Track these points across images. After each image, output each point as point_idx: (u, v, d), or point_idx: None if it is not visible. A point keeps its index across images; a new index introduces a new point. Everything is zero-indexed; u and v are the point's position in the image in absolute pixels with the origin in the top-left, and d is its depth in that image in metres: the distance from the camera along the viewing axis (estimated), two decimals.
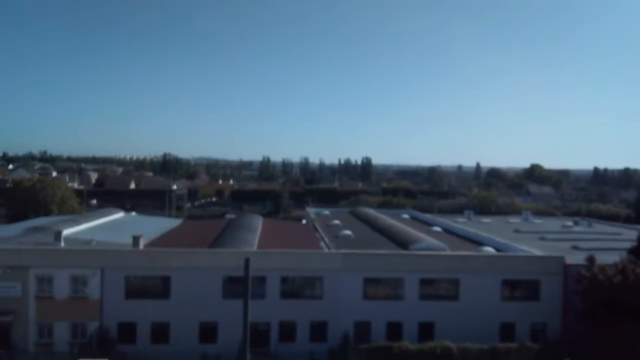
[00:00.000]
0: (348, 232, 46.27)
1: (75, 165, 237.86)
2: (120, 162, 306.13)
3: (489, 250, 39.82)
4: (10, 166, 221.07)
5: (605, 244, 45.10)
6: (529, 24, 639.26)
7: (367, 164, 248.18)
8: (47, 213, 65.62)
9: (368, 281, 34.64)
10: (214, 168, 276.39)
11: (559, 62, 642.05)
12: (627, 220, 77.29)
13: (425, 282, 34.91)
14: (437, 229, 52.00)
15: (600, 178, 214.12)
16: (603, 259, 34.42)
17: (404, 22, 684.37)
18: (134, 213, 62.88)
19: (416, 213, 68.19)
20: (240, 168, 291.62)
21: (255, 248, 37.25)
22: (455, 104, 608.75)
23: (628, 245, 38.25)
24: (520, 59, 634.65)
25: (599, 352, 30.08)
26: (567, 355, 30.47)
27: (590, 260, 33.77)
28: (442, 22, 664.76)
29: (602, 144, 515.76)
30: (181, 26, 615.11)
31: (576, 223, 61.52)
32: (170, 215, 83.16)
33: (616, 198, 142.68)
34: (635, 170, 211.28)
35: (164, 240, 41.18)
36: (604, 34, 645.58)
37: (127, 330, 32.96)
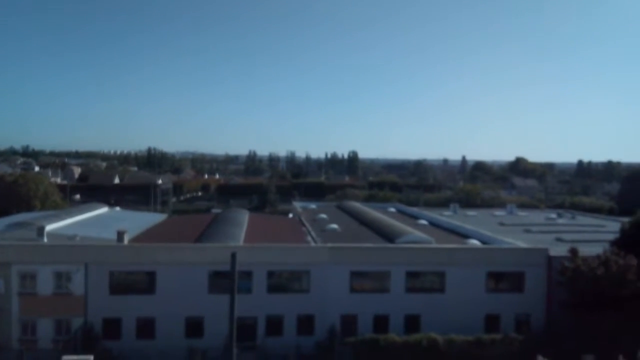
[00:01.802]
0: (335, 225, 46.30)
1: (58, 160, 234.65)
2: (104, 157, 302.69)
3: (474, 242, 40.10)
4: None
5: (588, 236, 45.69)
6: (513, 19, 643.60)
7: (353, 158, 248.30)
8: (30, 208, 64.65)
9: (354, 274, 34.74)
10: (200, 162, 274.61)
11: (543, 56, 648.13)
12: (610, 213, 78.31)
13: (411, 275, 35.10)
14: (423, 222, 52.24)
15: (584, 171, 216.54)
16: (586, 250, 34.88)
17: (390, 17, 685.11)
18: (118, 208, 62.27)
19: (402, 206, 68.43)
20: (226, 162, 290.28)
21: (241, 242, 37.11)
22: (441, 98, 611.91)
23: (611, 237, 38.84)
24: (505, 53, 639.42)
25: (582, 342, 30.49)
26: (551, 345, 30.85)
27: (573, 252, 34.18)
28: (428, 17, 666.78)
29: (586, 137, 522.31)
30: (167, 22, 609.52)
31: (560, 215, 62.22)
32: (155, 210, 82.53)
33: (599, 191, 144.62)
34: (618, 163, 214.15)
35: (149, 235, 40.85)
36: (586, 29, 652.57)
37: (112, 326, 32.71)
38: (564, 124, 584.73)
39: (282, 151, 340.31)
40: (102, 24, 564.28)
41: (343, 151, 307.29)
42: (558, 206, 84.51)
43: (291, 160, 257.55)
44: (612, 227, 50.15)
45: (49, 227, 38.09)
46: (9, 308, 32.35)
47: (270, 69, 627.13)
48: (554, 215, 61.83)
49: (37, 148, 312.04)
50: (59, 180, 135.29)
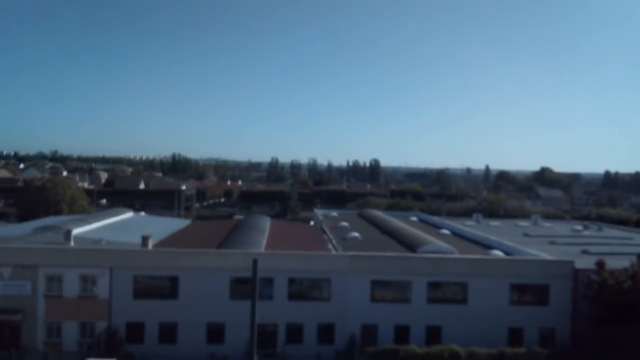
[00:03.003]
0: (356, 234, 46.21)
1: (85, 165, 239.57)
2: (130, 162, 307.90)
3: (498, 253, 39.60)
4: (21, 165, 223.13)
5: (615, 248, 44.74)
6: (540, 28, 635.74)
7: (375, 166, 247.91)
8: (57, 212, 66.08)
9: (375, 284, 34.58)
10: (223, 169, 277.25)
11: (570, 66, 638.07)
12: (637, 225, 76.47)
13: (433, 286, 34.79)
14: (446, 231, 51.79)
15: (611, 182, 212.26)
16: (613, 263, 34.16)
17: (413, 24, 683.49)
18: (143, 213, 63.16)
19: (424, 215, 67.97)
20: (248, 169, 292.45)
21: (263, 249, 37.31)
22: (464, 107, 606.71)
23: (638, 250, 37.99)
24: (531, 63, 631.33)
25: (608, 357, 29.83)
26: None
27: (600, 264, 33.53)
28: (452, 24, 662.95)
29: (614, 147, 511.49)
30: (190, 28, 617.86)
31: (586, 227, 61.01)
32: (179, 216, 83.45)
33: (627, 202, 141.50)
34: None
35: (173, 241, 41.34)
36: (617, 40, 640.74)
37: (135, 330, 33.11)
38: (590, 134, 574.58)
39: (304, 159, 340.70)
40: (128, 28, 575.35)
41: (365, 159, 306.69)
42: (584, 217, 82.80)
43: (313, 167, 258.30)
44: (639, 239, 48.99)
45: (76, 231, 38.87)
46: (35, 310, 33.01)
47: (293, 75, 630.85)
48: (580, 227, 60.66)
49: (65, 153, 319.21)
50: (86, 184, 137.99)
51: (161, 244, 39.43)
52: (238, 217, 69.29)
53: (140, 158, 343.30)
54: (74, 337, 33.06)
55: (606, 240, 51.01)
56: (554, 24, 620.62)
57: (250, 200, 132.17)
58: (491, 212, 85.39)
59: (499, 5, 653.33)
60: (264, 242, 40.16)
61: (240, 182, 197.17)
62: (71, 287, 33.23)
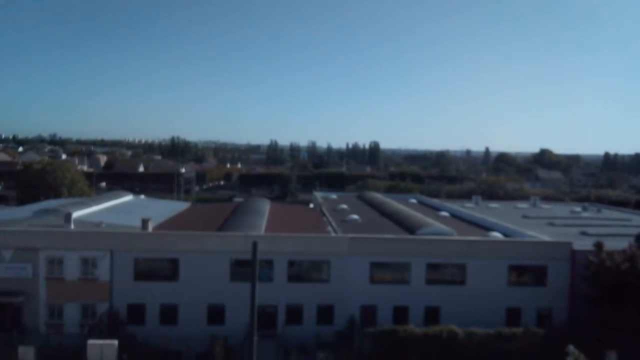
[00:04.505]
0: (355, 216, 46.31)
1: (84, 148, 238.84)
2: (129, 146, 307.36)
3: (497, 235, 39.74)
4: (20, 149, 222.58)
5: (614, 230, 44.86)
6: (543, 12, 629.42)
7: (375, 149, 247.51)
8: (57, 195, 66.12)
9: (375, 265, 34.78)
10: (222, 152, 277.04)
11: (571, 49, 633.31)
12: (636, 206, 76.68)
13: (431, 267, 35.00)
14: (445, 214, 51.90)
15: (610, 163, 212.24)
16: (611, 245, 34.29)
17: (414, 6, 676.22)
18: (142, 196, 63.19)
19: (424, 198, 68.05)
20: (248, 152, 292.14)
21: (262, 232, 37.42)
22: (464, 89, 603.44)
23: (637, 231, 38.08)
24: (532, 46, 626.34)
25: (605, 337, 30.11)
26: (573, 340, 30.51)
27: (598, 246, 33.67)
28: (454, 7, 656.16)
29: (613, 129, 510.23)
30: (189, 10, 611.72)
31: (585, 209, 61.13)
32: (178, 199, 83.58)
33: (626, 184, 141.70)
34: None
35: (173, 223, 41.45)
36: (616, 22, 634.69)
37: (137, 312, 33.40)
38: (590, 115, 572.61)
39: (303, 141, 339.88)
40: (128, 12, 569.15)
41: (364, 141, 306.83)
42: (583, 199, 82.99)
43: (312, 150, 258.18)
44: (638, 221, 49.18)
45: (76, 214, 38.91)
46: (36, 292, 33.24)
47: (292, 58, 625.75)
48: (578, 209, 60.78)
49: (64, 136, 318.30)
50: (85, 168, 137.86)
51: (161, 226, 39.54)
52: (238, 199, 69.35)
53: (140, 141, 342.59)
54: (76, 319, 33.34)
55: (605, 221, 51.18)
56: (555, 6, 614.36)
57: (250, 183, 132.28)
58: (490, 194, 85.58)
59: None
60: (264, 224, 40.27)
61: (239, 165, 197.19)
62: (72, 270, 33.41)
